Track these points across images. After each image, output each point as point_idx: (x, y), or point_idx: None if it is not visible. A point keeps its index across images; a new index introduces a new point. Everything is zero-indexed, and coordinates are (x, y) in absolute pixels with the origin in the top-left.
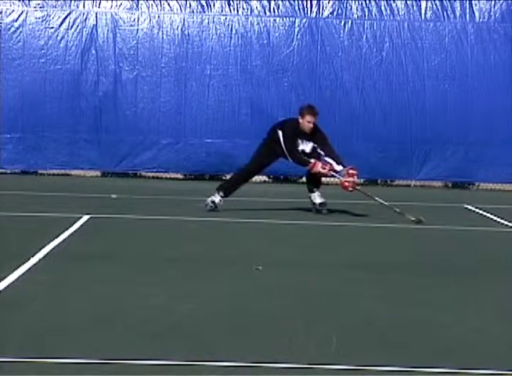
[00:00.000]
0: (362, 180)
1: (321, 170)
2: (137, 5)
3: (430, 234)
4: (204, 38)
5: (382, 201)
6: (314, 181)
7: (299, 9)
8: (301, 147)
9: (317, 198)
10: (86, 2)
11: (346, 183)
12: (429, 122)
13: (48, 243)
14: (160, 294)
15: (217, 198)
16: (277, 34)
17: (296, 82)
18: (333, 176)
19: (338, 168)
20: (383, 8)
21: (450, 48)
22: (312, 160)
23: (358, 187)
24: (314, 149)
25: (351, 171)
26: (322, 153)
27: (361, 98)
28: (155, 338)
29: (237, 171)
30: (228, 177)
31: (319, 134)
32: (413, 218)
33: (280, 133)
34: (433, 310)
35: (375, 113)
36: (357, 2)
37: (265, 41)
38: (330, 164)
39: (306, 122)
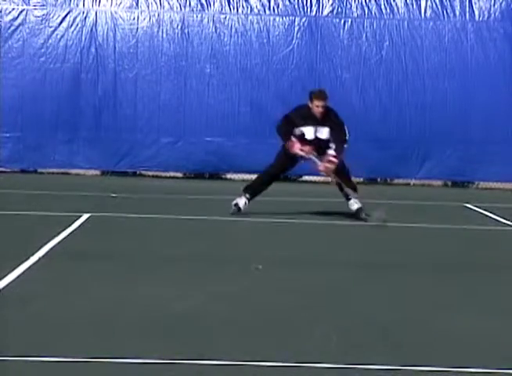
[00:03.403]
0: (362, 179)
1: (298, 152)
2: (137, 4)
3: (430, 233)
4: (204, 37)
5: (350, 193)
6: (340, 187)
7: (299, 7)
8: (313, 134)
9: (354, 205)
10: (86, 1)
11: (321, 167)
12: (429, 121)
13: (49, 241)
14: (160, 293)
15: (242, 201)
16: (277, 32)
17: (296, 81)
18: (311, 159)
19: (331, 152)
20: (382, 7)
21: (450, 47)
22: (293, 140)
23: (333, 175)
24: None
25: (331, 158)
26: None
27: (360, 97)
28: (155, 336)
29: (262, 174)
30: (253, 177)
31: (333, 119)
32: (378, 221)
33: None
34: (432, 310)
35: (375, 111)
36: (357, 1)
37: (265, 40)
38: (311, 148)
39: (315, 107)
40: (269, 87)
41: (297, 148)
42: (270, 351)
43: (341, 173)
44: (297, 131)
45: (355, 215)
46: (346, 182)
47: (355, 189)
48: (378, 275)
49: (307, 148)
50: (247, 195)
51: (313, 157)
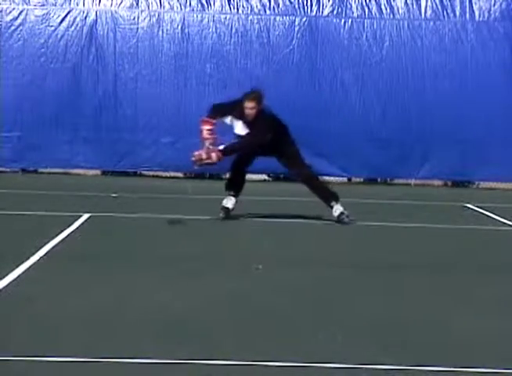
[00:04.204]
0: (362, 179)
1: (204, 131)
2: (137, 4)
3: (430, 233)
4: (204, 37)
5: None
6: (319, 196)
7: (299, 7)
8: (237, 130)
9: (336, 211)
10: (86, 0)
11: (197, 153)
12: (429, 121)
13: (49, 242)
14: (160, 293)
15: (229, 201)
16: (277, 32)
17: (296, 81)
18: (204, 144)
19: (220, 146)
20: (383, 6)
21: (450, 47)
22: (213, 121)
23: (201, 164)
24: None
25: (212, 153)
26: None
27: (360, 97)
28: (155, 336)
29: (230, 169)
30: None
31: (258, 127)
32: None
33: None
34: (433, 310)
35: (375, 111)
36: (357, 1)
37: (265, 40)
38: (214, 139)
39: (244, 108)
40: (269, 87)
41: (205, 128)
42: (270, 351)
43: (315, 183)
44: (232, 121)
45: (337, 221)
46: (323, 190)
47: (334, 197)
48: (378, 275)
49: (213, 136)
50: (231, 192)
51: (207, 144)
